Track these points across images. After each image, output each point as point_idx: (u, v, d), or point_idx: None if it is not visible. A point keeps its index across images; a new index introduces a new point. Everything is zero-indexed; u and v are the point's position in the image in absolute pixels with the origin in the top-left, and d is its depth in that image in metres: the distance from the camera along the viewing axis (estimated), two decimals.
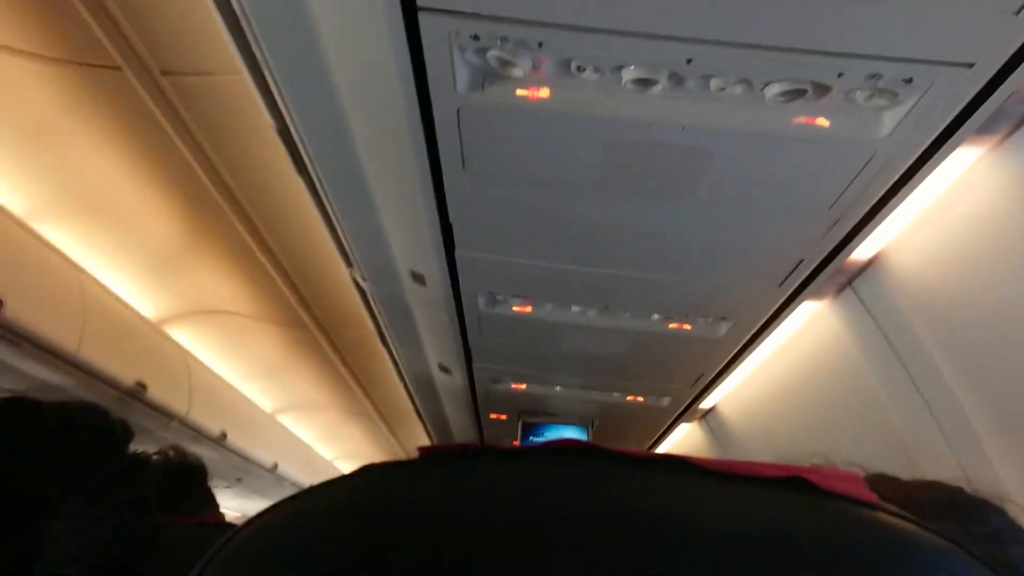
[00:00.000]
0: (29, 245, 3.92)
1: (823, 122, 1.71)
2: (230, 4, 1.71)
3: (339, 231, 2.64)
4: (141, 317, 5.20)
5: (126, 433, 0.90)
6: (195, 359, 5.90)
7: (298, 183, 2.43)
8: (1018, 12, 1.36)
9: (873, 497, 0.45)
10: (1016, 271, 1.97)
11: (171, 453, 1.90)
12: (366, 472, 0.46)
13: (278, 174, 2.34)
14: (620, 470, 0.45)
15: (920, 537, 0.42)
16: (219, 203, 4.16)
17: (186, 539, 1.44)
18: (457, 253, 2.50)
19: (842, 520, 0.42)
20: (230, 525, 1.73)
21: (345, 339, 6.07)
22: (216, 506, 1.91)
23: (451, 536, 0.40)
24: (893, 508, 0.44)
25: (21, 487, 0.74)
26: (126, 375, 4.84)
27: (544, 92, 1.70)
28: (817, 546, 0.40)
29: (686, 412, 4.19)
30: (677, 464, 0.45)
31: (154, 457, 1.98)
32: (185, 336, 5.74)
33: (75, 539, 0.75)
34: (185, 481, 1.83)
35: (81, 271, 4.37)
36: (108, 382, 4.69)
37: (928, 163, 1.81)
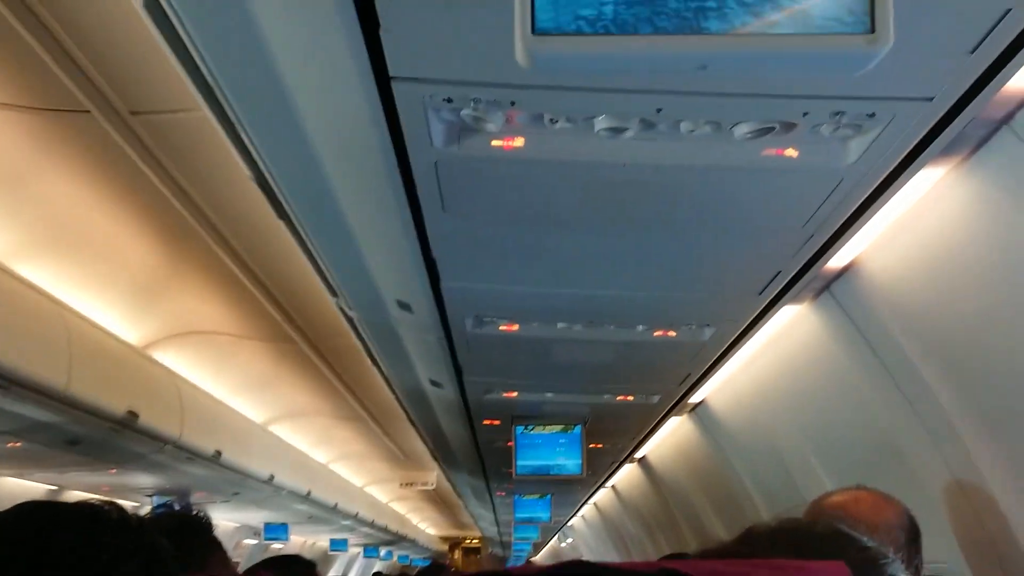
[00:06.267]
0: (8, 285, 3.89)
1: (792, 152, 1.75)
2: (201, 74, 1.72)
3: (323, 267, 2.66)
4: (128, 345, 5.17)
5: (149, 526, 0.95)
6: (185, 381, 5.89)
7: None
8: (973, 51, 1.40)
9: None
10: (985, 274, 2.04)
11: (176, 508, 1.95)
12: None
13: (253, 199, 2.36)
14: None
15: None
16: (196, 230, 4.16)
17: None
18: (443, 284, 2.53)
19: None
20: None
21: (332, 348, 6.09)
22: (224, 556, 1.94)
23: None
24: None
25: None
26: (117, 405, 4.81)
27: (519, 141, 1.73)
28: None
29: (676, 407, 4.26)
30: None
31: (158, 513, 2.03)
32: (173, 360, 5.73)
33: None
34: (190, 536, 1.86)
35: (64, 307, 4.35)
36: (99, 414, 4.67)
37: (896, 183, 1.86)
